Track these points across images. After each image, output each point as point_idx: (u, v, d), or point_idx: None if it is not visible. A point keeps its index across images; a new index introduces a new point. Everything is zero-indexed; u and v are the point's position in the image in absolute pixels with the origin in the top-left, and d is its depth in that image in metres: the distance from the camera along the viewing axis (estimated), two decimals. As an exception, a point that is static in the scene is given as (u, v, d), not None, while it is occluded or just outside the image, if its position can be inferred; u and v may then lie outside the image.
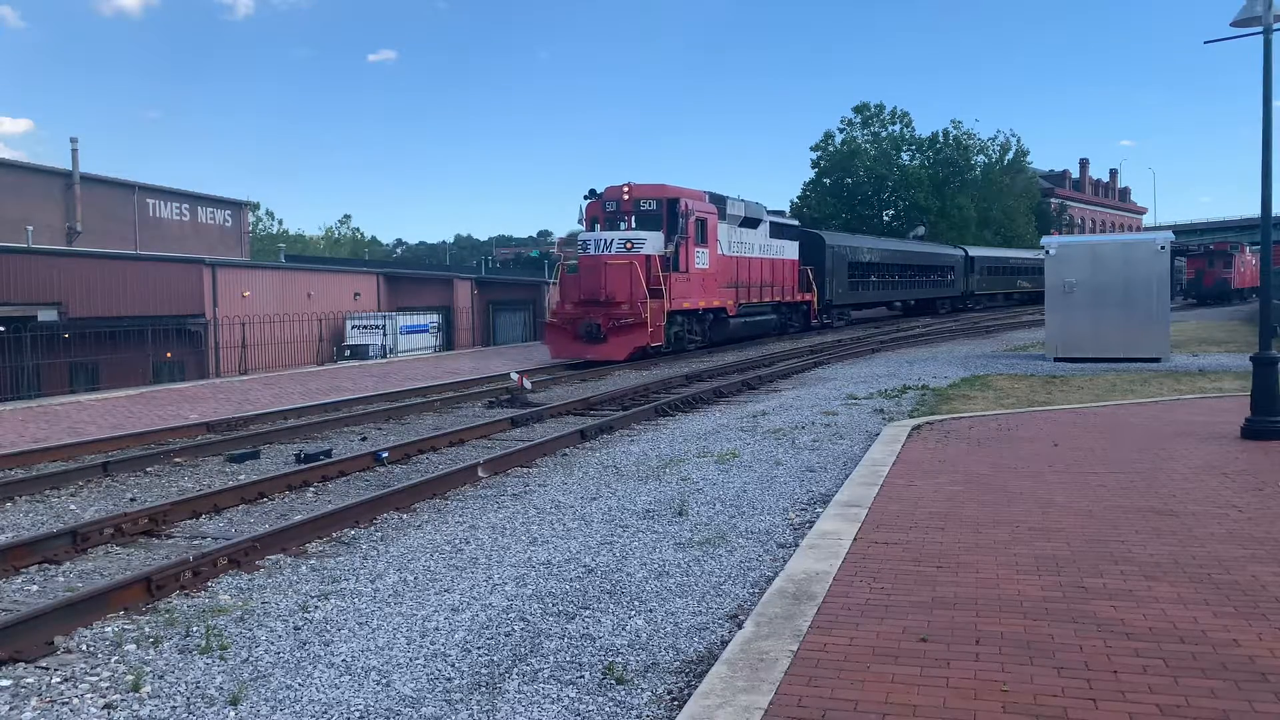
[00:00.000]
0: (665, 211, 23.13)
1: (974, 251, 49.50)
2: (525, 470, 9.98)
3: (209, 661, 4.87)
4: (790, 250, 30.92)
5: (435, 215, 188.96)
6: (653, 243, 22.40)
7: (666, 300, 22.04)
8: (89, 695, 4.49)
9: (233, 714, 4.29)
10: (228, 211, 49.40)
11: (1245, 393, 11.17)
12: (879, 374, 18.77)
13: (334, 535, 7.46)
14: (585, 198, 24.27)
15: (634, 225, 23.08)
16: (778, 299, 29.42)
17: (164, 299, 30.44)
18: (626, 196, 23.35)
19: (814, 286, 32.38)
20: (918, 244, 47.74)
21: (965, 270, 47.26)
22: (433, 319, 38.37)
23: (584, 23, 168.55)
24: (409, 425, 13.61)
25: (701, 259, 24.16)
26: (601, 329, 21.38)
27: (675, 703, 4.25)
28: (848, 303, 36.49)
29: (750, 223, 27.71)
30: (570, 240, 24.27)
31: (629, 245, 22.06)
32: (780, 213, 31.36)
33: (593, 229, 23.49)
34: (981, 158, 67.08)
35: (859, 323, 38.38)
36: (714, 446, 10.84)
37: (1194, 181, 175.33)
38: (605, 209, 23.68)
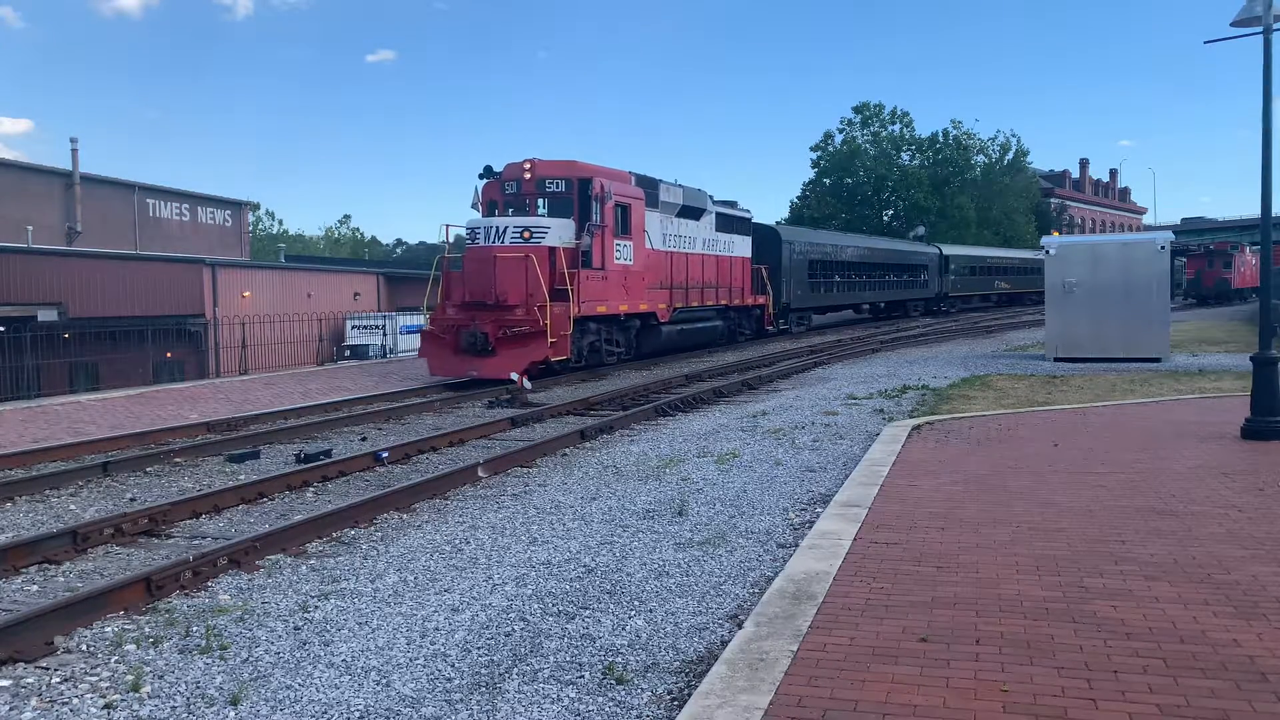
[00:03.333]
0: (576, 194, 19.09)
1: (949, 250, 46.50)
2: (525, 470, 9.98)
3: (209, 661, 4.87)
4: (741, 246, 27.12)
5: (435, 215, 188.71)
6: (559, 232, 18.48)
7: (574, 303, 18.05)
8: (89, 695, 4.49)
9: (233, 714, 4.29)
10: (228, 211, 49.40)
11: (1245, 393, 11.17)
12: (879, 374, 18.78)
13: (334, 535, 7.46)
14: (480, 176, 19.94)
15: (541, 211, 19.33)
16: (724, 302, 25.70)
17: (164, 299, 30.44)
18: (528, 175, 19.26)
19: (769, 288, 28.87)
20: (887, 241, 44.67)
21: (940, 270, 44.37)
22: (433, 319, 38.28)
23: (583, 24, 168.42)
24: (409, 425, 13.60)
25: (623, 253, 20.13)
26: (489, 339, 17.32)
27: (675, 703, 4.25)
28: (808, 306, 33.28)
29: (690, 212, 23.85)
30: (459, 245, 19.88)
31: (527, 234, 17.99)
32: (730, 203, 27.32)
33: (491, 215, 19.45)
34: (981, 158, 67.31)
35: (822, 328, 35.35)
36: (714, 446, 10.84)
37: (1194, 181, 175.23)
38: (505, 191, 19.62)
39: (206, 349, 28.75)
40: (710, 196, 25.51)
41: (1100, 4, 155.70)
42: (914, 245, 45.49)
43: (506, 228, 18.20)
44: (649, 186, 21.79)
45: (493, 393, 16.04)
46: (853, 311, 40.78)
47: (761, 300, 28.53)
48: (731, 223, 26.64)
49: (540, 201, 19.46)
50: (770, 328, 29.42)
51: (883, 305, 41.51)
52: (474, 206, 20.07)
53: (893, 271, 40.45)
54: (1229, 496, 7.38)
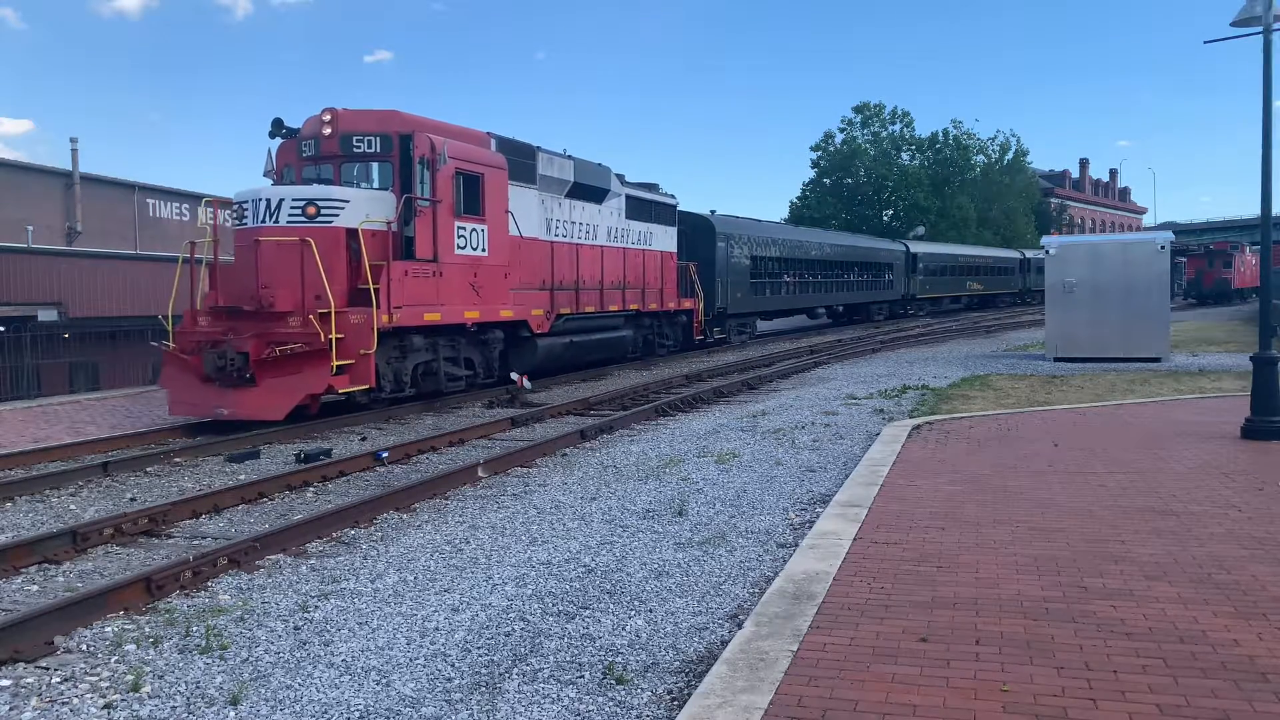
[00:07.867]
0: (397, 157, 14.01)
1: (917, 248, 42.98)
2: (525, 470, 9.98)
3: (209, 661, 4.87)
4: (663, 238, 22.35)
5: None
6: (364, 207, 13.35)
7: (382, 308, 12.87)
8: (89, 695, 4.49)
9: (233, 714, 4.28)
10: (228, 211, 49.41)
11: (1245, 393, 11.17)
12: (879, 374, 18.80)
13: (334, 535, 7.46)
14: (271, 135, 14.73)
15: (369, 184, 14.24)
16: (635, 307, 20.73)
17: (164, 299, 30.28)
18: (329, 131, 14.08)
19: (699, 289, 24.36)
20: (848, 236, 40.57)
21: (907, 269, 40.90)
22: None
23: (580, 24, 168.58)
24: (409, 425, 13.60)
25: (471, 240, 14.86)
26: (249, 362, 12.26)
27: (675, 703, 4.25)
28: (750, 310, 28.71)
29: (587, 193, 18.81)
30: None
31: (311, 210, 12.93)
32: (650, 185, 22.39)
33: (286, 185, 14.28)
34: (981, 158, 67.33)
35: (768, 336, 31.46)
36: (714, 446, 10.84)
37: (1194, 181, 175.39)
38: (302, 153, 14.48)
39: (206, 349, 28.72)
40: (620, 176, 20.51)
41: (1100, 3, 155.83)
42: (878, 241, 41.67)
43: (282, 201, 13.08)
44: (519, 154, 16.61)
45: (493, 393, 16.00)
46: (806, 316, 36.07)
47: (689, 304, 23.88)
48: (648, 209, 21.71)
49: (367, 168, 14.37)
50: (700, 337, 24.75)
51: (841, 309, 37.44)
52: (266, 175, 15.04)
53: (854, 271, 36.27)
54: (1229, 496, 7.38)
